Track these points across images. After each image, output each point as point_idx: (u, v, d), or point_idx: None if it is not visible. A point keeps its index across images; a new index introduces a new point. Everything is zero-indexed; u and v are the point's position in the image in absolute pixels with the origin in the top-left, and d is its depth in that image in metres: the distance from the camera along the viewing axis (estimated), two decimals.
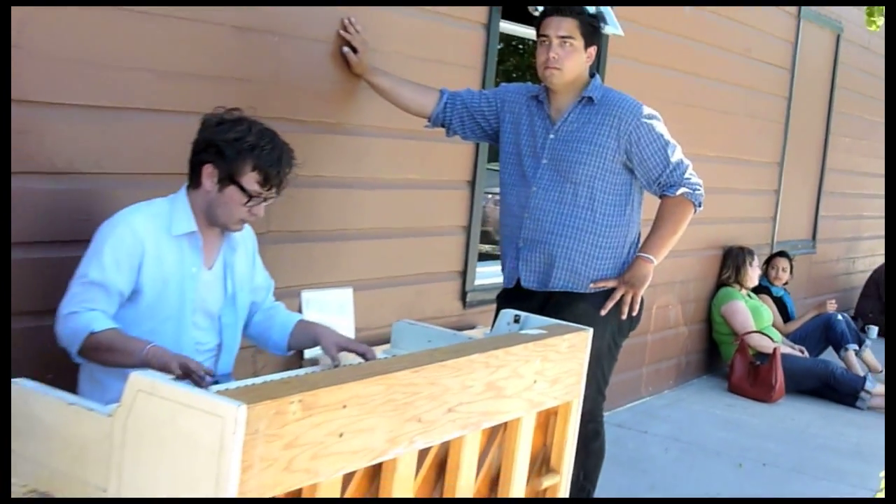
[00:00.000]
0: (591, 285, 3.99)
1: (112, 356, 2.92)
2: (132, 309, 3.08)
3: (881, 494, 3.62)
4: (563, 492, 3.44)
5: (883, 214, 11.17)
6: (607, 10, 5.59)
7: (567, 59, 3.94)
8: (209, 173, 3.09)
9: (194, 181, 3.15)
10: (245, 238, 3.36)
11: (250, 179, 3.07)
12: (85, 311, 2.95)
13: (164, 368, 2.86)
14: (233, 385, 2.81)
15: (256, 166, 3.06)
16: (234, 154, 3.05)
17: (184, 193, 3.17)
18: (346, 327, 4.42)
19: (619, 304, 3.98)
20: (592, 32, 4.01)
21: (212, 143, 3.08)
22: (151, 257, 3.05)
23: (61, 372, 3.06)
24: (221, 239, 3.27)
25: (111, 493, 2.29)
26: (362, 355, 3.24)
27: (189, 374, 2.82)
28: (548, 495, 3.41)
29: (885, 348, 7.92)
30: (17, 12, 3.05)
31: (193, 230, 3.13)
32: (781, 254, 8.50)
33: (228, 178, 3.07)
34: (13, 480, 2.58)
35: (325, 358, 3.41)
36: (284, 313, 3.51)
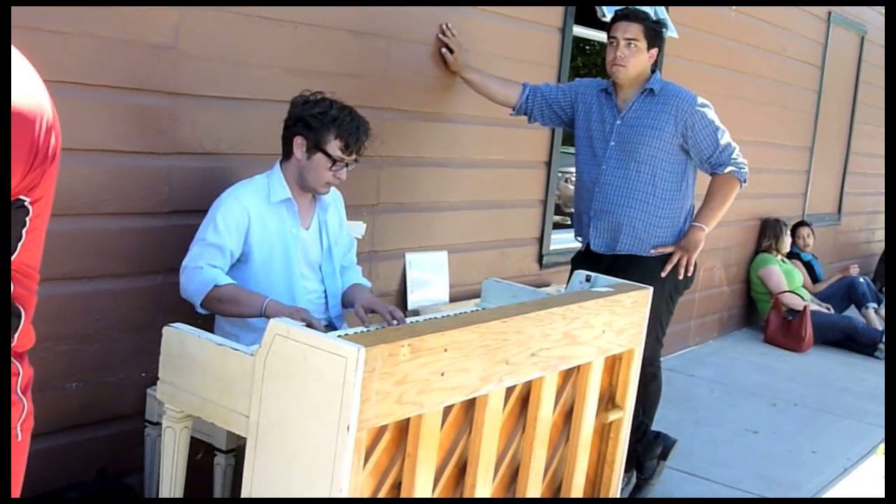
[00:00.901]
0: (652, 250, 3.94)
1: (234, 307, 2.94)
2: (246, 269, 3.10)
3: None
4: (626, 424, 3.41)
5: None
6: (664, 16, 5.49)
7: (631, 58, 3.88)
8: (299, 144, 3.09)
9: (286, 153, 3.14)
10: (335, 200, 3.35)
11: (334, 146, 3.06)
12: (207, 267, 2.98)
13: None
14: (352, 331, 2.82)
15: (338, 135, 3.05)
16: (319, 125, 3.05)
17: (278, 167, 3.16)
18: (441, 284, 4.41)
19: (676, 266, 3.92)
20: (655, 36, 3.94)
21: (300, 118, 3.08)
22: (256, 224, 3.06)
23: (207, 319, 3.10)
24: (314, 203, 3.26)
25: (252, 420, 2.32)
26: (388, 314, 3.11)
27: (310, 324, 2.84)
28: (613, 428, 3.39)
29: (885, 311, 7.73)
30: (170, 18, 3.08)
31: (288, 197, 3.13)
32: (803, 223, 8.32)
33: (315, 146, 3.07)
34: (171, 406, 2.62)
35: (427, 310, 3.41)
36: (351, 275, 3.43)
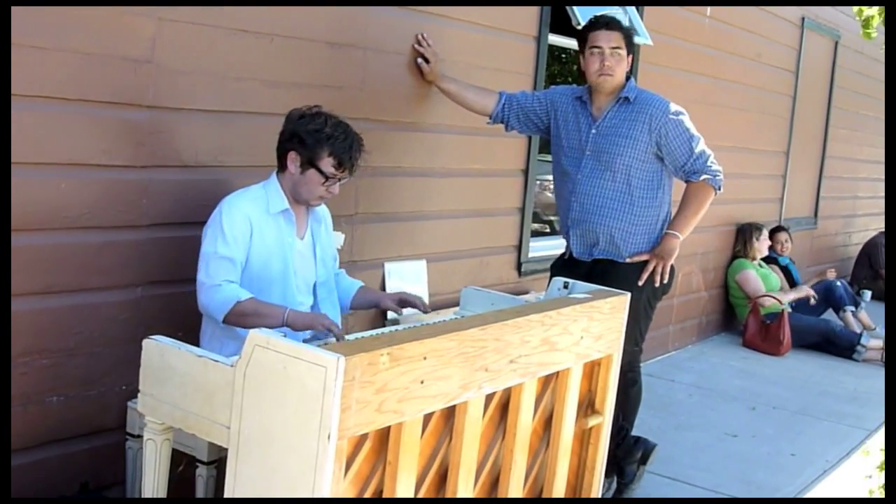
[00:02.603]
0: (628, 259, 3.97)
1: (257, 320, 2.94)
2: (242, 277, 3.10)
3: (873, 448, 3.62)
4: (606, 430, 3.44)
5: (875, 195, 11.03)
6: (638, 23, 5.54)
7: (617, 67, 3.93)
8: (293, 159, 3.12)
9: (281, 166, 3.17)
10: (325, 214, 3.40)
11: (327, 163, 3.09)
12: (225, 284, 3.00)
13: (307, 328, 2.94)
14: (331, 340, 2.84)
15: (332, 152, 3.08)
16: (314, 142, 3.07)
17: (274, 178, 3.19)
18: (421, 293, 4.43)
19: (652, 273, 3.96)
20: (630, 43, 4.00)
21: (295, 133, 3.10)
22: (257, 233, 3.08)
23: (188, 330, 3.12)
24: (307, 214, 3.29)
25: (234, 430, 2.34)
26: (415, 305, 3.37)
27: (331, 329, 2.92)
28: (593, 434, 3.42)
29: (884, 314, 7.75)
30: (146, 32, 3.10)
31: (287, 207, 3.16)
32: (780, 228, 8.39)
33: (308, 162, 3.09)
34: (152, 419, 2.64)
35: (406, 319, 3.44)
36: (348, 280, 3.52)
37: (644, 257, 3.98)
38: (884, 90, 9.96)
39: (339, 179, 3.15)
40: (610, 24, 3.95)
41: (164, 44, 3.17)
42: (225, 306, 2.98)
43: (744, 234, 7.71)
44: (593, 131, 3.99)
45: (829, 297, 8.18)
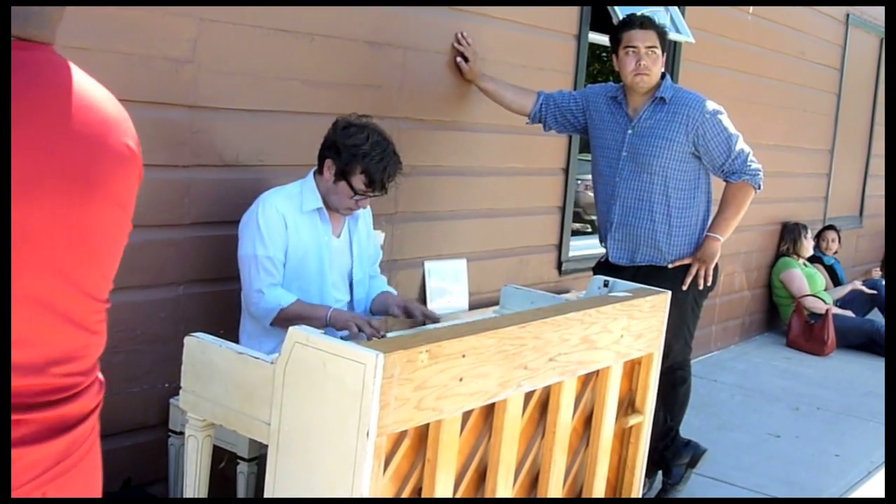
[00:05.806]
0: (670, 265, 3.95)
1: (301, 323, 2.98)
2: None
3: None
4: (646, 429, 3.42)
5: None
6: (680, 21, 5.50)
7: (653, 66, 3.89)
8: (328, 166, 3.15)
9: (319, 168, 3.20)
10: (364, 211, 3.40)
11: (358, 180, 3.11)
12: (268, 290, 3.05)
13: (345, 327, 2.98)
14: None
15: (364, 171, 3.10)
16: (349, 157, 3.10)
17: (311, 177, 3.22)
18: (461, 292, 4.44)
19: (695, 276, 3.94)
20: (665, 42, 3.96)
21: (335, 143, 3.14)
22: (291, 230, 3.12)
23: (228, 328, 3.15)
24: None
25: (273, 427, 2.35)
26: (413, 314, 3.27)
27: (363, 329, 2.95)
28: (633, 433, 3.40)
29: (885, 313, 7.63)
30: (187, 33, 3.13)
31: (320, 206, 3.19)
32: (830, 227, 8.30)
33: (341, 174, 3.12)
34: (193, 415, 2.66)
35: (447, 318, 3.44)
36: (377, 283, 3.49)
37: (686, 261, 3.95)
38: None
39: (368, 196, 3.18)
40: (644, 23, 3.92)
41: (206, 44, 3.20)
42: (270, 314, 3.05)
43: (792, 233, 7.63)
44: (629, 132, 3.95)
45: (874, 297, 8.08)
